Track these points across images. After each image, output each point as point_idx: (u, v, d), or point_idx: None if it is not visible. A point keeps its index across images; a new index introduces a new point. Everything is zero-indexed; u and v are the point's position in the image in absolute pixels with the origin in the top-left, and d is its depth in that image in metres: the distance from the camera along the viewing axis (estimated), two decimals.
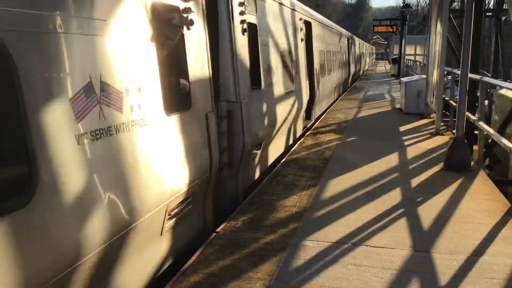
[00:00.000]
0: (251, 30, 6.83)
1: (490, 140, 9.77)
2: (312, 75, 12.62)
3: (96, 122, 3.29)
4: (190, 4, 4.77)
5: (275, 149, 8.64)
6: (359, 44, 42.09)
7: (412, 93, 14.08)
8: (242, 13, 6.33)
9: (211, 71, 5.46)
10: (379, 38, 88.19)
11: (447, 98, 11.24)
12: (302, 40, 11.19)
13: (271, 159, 8.31)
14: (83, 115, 3.15)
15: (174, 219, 4.57)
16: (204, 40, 5.33)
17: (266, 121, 7.58)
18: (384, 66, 60.50)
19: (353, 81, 31.46)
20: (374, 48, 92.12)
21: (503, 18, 18.12)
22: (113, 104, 3.48)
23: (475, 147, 8.52)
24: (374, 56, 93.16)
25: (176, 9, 4.58)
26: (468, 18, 7.38)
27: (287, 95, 9.05)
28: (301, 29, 11.18)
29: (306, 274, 4.16)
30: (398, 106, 15.98)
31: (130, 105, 3.72)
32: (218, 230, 5.20)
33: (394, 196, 6.23)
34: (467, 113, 8.16)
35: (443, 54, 10.54)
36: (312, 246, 4.73)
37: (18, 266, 2.61)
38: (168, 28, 4.44)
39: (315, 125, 12.44)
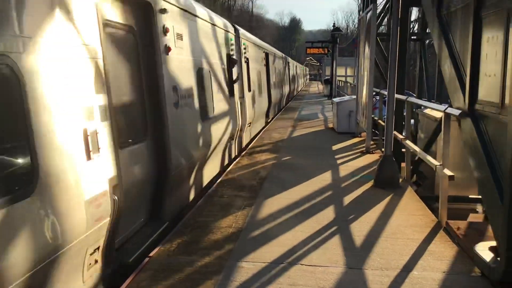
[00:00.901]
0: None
1: (417, 158, 10.21)
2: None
3: None
4: None
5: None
6: (293, 65, 43.04)
7: (343, 113, 14.52)
8: None
9: None
10: (312, 60, 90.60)
11: (376, 118, 11.68)
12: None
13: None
14: None
15: None
16: None
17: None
18: (317, 87, 62.19)
19: (287, 101, 32.04)
20: (307, 69, 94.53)
21: (427, 41, 19.16)
22: None
23: (403, 165, 8.86)
24: (308, 77, 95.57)
25: None
26: (393, 41, 7.74)
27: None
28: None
29: None
30: (331, 125, 16.42)
31: None
32: (151, 254, 5.05)
33: (327, 214, 6.34)
34: (395, 132, 8.51)
35: (371, 76, 10.96)
36: (248, 267, 4.69)
37: None
38: None
39: (251, 145, 12.50)
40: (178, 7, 6.93)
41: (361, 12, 17.21)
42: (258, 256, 4.96)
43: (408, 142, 8.25)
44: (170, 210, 6.28)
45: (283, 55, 31.57)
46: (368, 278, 4.44)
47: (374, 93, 11.67)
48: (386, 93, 8.51)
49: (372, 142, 11.56)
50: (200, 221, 6.11)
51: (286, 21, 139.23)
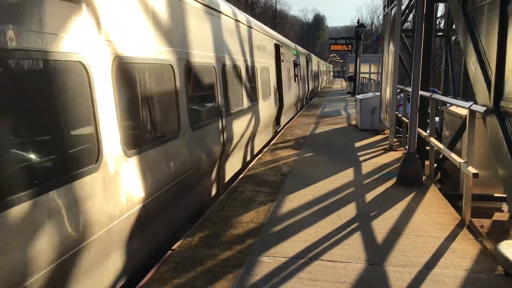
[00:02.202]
0: None
1: (441, 156, 10.10)
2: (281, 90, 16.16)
3: None
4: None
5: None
6: (317, 62, 42.89)
7: (366, 110, 14.42)
8: None
9: None
10: (336, 57, 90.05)
11: (399, 115, 11.56)
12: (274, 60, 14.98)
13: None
14: None
15: None
16: None
17: None
18: (340, 84, 61.79)
19: (310, 98, 31.95)
20: (331, 66, 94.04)
21: (453, 38, 18.88)
22: None
23: (427, 162, 8.78)
24: (331, 74, 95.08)
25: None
26: (418, 37, 7.66)
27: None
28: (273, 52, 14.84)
29: None
30: (353, 122, 16.32)
31: None
32: (173, 247, 5.12)
33: (349, 211, 6.33)
34: (419, 129, 8.42)
35: (395, 72, 10.86)
36: (269, 261, 4.72)
37: None
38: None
39: (273, 141, 12.53)
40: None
41: (386, 8, 17.04)
42: (279, 251, 4.99)
43: (432, 140, 8.16)
44: None
45: (306, 51, 31.48)
46: (389, 274, 4.43)
47: (398, 90, 11.58)
48: (410, 90, 8.43)
49: (395, 140, 11.47)
50: (221, 216, 6.17)
51: (309, 17, 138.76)
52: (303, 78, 26.01)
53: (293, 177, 8.31)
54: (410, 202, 6.73)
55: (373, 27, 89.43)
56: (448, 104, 11.84)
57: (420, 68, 7.84)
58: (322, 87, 51.52)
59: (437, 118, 14.00)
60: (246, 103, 10.20)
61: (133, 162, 4.61)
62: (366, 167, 9.04)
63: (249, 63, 10.78)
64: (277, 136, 13.49)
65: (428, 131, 9.21)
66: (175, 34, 6.10)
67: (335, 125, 16.12)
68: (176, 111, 5.97)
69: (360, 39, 32.56)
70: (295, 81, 21.01)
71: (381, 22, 22.96)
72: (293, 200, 6.84)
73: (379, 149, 11.08)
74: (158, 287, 4.21)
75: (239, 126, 9.30)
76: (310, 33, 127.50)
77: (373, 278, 4.35)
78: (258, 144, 11.93)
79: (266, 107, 12.76)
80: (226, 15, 8.83)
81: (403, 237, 5.39)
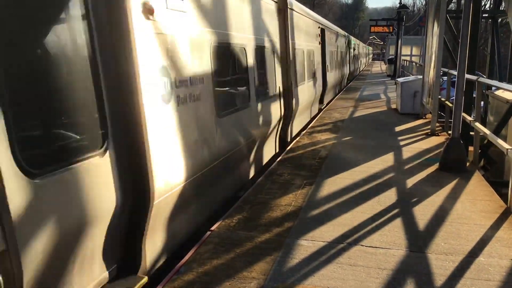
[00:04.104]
0: None
1: (485, 141, 9.77)
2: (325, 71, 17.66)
3: None
4: None
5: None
6: (355, 44, 42.12)
7: (408, 94, 14.08)
8: None
9: None
10: (375, 39, 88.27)
11: (443, 99, 11.23)
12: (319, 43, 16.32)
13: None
14: None
15: None
16: None
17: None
18: (380, 67, 60.60)
19: (349, 81, 31.47)
20: (370, 48, 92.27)
21: (499, 19, 18.15)
22: None
23: (471, 148, 8.51)
24: (370, 56, 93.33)
25: None
26: (466, 18, 7.37)
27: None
28: (319, 35, 15.93)
29: (301, 273, 4.13)
30: (393, 106, 15.99)
31: None
32: (212, 228, 5.16)
33: (389, 196, 6.21)
34: (463, 114, 8.16)
35: (439, 55, 10.52)
36: (307, 245, 4.69)
37: None
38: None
39: (311, 124, 12.42)
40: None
41: None
42: (317, 235, 4.95)
43: (478, 125, 7.89)
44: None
45: (346, 33, 30.92)
46: (431, 262, 4.33)
47: (441, 73, 11.23)
48: (455, 73, 8.15)
49: (437, 124, 11.17)
50: (260, 198, 6.16)
51: None
52: (342, 60, 25.72)
53: (331, 160, 8.22)
54: (453, 189, 6.54)
55: (415, 8, 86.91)
56: (493, 88, 11.41)
57: (467, 51, 7.55)
58: (361, 70, 50.65)
59: (482, 103, 13.53)
60: (306, 78, 12.90)
61: (223, 121, 5.93)
62: (407, 152, 8.85)
63: (306, 48, 12.89)
64: (315, 119, 13.36)
65: (473, 116, 8.92)
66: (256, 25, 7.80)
67: (374, 108, 15.83)
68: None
69: (401, 21, 31.71)
70: (335, 63, 21.95)
71: (424, 3, 22.23)
72: (332, 184, 6.76)
73: (421, 133, 10.82)
74: (197, 267, 4.25)
75: (301, 97, 11.66)
76: (350, 15, 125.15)
77: (415, 266, 4.27)
78: (307, 116, 13.98)
79: (317, 85, 15.13)
80: (297, 12, 11.62)
81: (446, 224, 5.25)
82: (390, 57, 41.60)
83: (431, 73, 11.67)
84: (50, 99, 3.12)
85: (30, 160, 2.85)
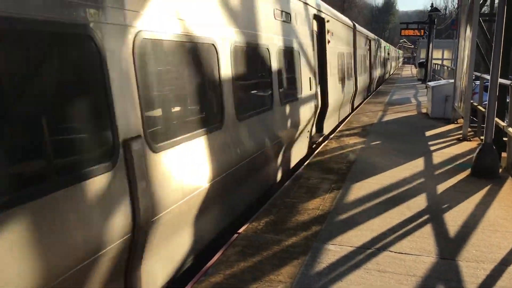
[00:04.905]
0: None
1: None
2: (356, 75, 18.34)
3: None
4: None
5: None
6: (385, 47, 41.70)
7: (439, 98, 13.85)
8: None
9: None
10: (406, 42, 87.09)
11: (475, 104, 11.01)
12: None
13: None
14: None
15: None
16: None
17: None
18: (410, 70, 59.81)
19: (378, 84, 31.16)
20: (400, 51, 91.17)
21: None
22: None
23: (504, 154, 8.31)
24: (401, 60, 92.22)
25: None
26: (499, 21, 7.22)
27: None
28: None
29: (328, 278, 4.10)
30: (424, 110, 15.75)
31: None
32: (240, 231, 5.17)
33: (419, 202, 6.12)
34: (496, 119, 7.98)
35: (472, 59, 10.33)
36: (335, 250, 4.67)
37: None
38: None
39: (339, 128, 12.34)
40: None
41: None
42: (345, 239, 4.92)
43: (511, 130, 7.71)
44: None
45: (376, 37, 30.64)
46: (461, 270, 4.24)
47: (474, 77, 11.02)
48: (487, 77, 7.98)
49: (469, 129, 10.95)
50: (287, 202, 6.15)
51: (379, 2, 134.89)
52: (372, 64, 25.53)
53: (359, 165, 8.15)
54: (485, 195, 6.40)
55: (447, 11, 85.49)
56: None
57: (500, 55, 7.39)
58: (390, 74, 50.08)
59: None
60: (345, 78, 14.70)
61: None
62: (438, 157, 8.70)
63: (343, 51, 14.50)
64: (343, 123, 13.26)
65: (506, 121, 8.71)
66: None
67: (404, 112, 15.63)
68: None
69: (433, 24, 31.25)
70: (365, 67, 22.40)
71: (456, 6, 21.87)
72: (360, 189, 6.71)
73: (452, 139, 10.62)
74: (225, 269, 4.27)
75: (334, 96, 12.53)
76: (380, 18, 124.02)
77: (445, 273, 4.19)
78: (343, 114, 15.25)
79: (349, 86, 15.89)
80: (338, 20, 13.79)
81: (477, 231, 5.15)
82: (421, 60, 40.99)
83: (463, 77, 11.46)
84: None
85: None
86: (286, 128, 7.78)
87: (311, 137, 10.03)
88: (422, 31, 36.70)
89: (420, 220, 5.49)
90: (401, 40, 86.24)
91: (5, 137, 2.54)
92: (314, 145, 10.26)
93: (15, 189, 2.57)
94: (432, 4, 37.05)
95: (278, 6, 7.49)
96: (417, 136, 11.00)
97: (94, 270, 3.19)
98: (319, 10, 10.67)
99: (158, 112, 4.04)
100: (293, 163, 8.63)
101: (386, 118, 14.32)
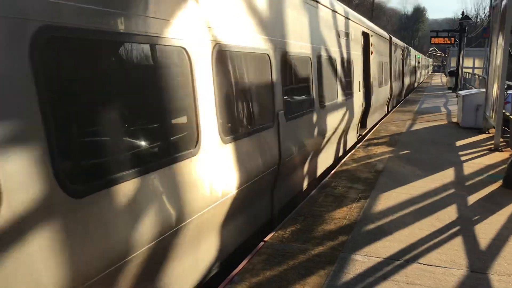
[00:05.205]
0: None
1: None
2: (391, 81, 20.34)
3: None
4: None
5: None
6: (415, 55, 41.23)
7: (470, 107, 13.58)
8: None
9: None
10: (436, 50, 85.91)
11: (507, 113, 10.75)
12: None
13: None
14: None
15: None
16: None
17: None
18: (440, 79, 58.89)
19: (407, 93, 30.79)
20: (430, 60, 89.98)
21: None
22: None
23: None
24: (430, 68, 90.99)
25: None
26: None
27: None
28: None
29: None
30: (454, 120, 15.46)
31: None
32: (266, 239, 5.16)
33: (449, 213, 6.00)
34: None
35: (504, 68, 10.10)
36: (362, 260, 4.60)
37: None
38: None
39: (366, 137, 12.22)
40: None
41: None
42: (372, 250, 4.84)
43: None
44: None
45: (405, 45, 30.32)
46: (493, 284, 4.13)
47: (506, 86, 10.76)
48: None
49: (501, 140, 10.70)
50: (313, 211, 6.11)
51: (409, 9, 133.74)
52: (404, 72, 25.63)
53: (387, 174, 8.04)
54: None
55: (478, 19, 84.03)
56: None
57: None
58: (420, 82, 49.43)
59: None
60: (383, 84, 17.25)
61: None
62: (468, 168, 8.51)
63: (381, 60, 16.93)
64: (371, 132, 13.13)
65: None
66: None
67: (434, 122, 15.38)
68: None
69: (464, 32, 30.71)
70: (399, 74, 24.46)
71: (488, 14, 21.57)
72: (388, 199, 6.61)
73: (483, 149, 10.39)
74: (250, 277, 4.26)
75: (374, 97, 14.84)
76: (409, 26, 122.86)
77: (476, 286, 4.08)
78: (379, 116, 17.19)
79: (385, 91, 18.30)
80: (379, 34, 16.20)
81: (509, 244, 5.00)
82: (451, 69, 40.35)
83: (495, 86, 11.22)
84: None
85: None
86: (346, 117, 10.24)
87: (358, 129, 12.74)
88: (453, 39, 36.18)
89: (450, 231, 5.37)
90: (431, 48, 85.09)
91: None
92: (360, 136, 13.09)
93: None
94: (463, 12, 36.50)
95: (342, 28, 10.13)
96: (447, 146, 10.80)
97: (263, 183, 5.61)
98: (365, 27, 13.22)
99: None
100: (348, 146, 11.34)
101: (415, 127, 14.11)
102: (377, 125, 14.64)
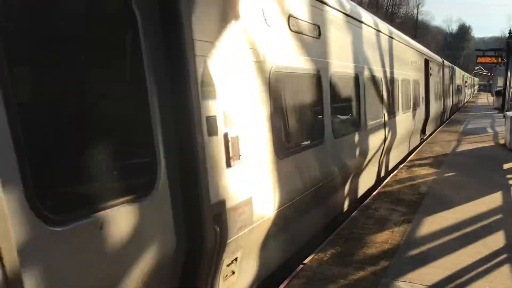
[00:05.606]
0: None
1: None
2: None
3: None
4: None
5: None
6: (460, 74, 40.31)
7: None
8: None
9: None
10: (481, 69, 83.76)
11: None
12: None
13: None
14: None
15: None
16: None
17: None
18: (486, 99, 57.30)
19: (452, 113, 30.07)
20: (476, 79, 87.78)
21: None
22: None
23: None
24: (476, 87, 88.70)
25: None
26: None
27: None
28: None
29: None
30: (502, 141, 14.95)
31: None
32: (305, 261, 5.09)
33: (497, 239, 5.76)
34: None
35: None
36: (405, 287, 4.46)
37: None
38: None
39: (409, 158, 11.97)
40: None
41: None
42: (416, 277, 4.70)
43: None
44: None
45: (450, 64, 29.71)
46: None
47: None
48: None
49: None
50: (354, 233, 6.00)
51: (453, 28, 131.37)
52: (445, 91, 24.91)
53: (432, 197, 7.82)
54: None
55: None
56: None
57: None
58: (465, 102, 48.22)
59: None
60: (437, 100, 20.47)
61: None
62: None
63: (436, 80, 19.93)
64: (414, 153, 12.86)
65: None
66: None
67: (480, 143, 14.91)
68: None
69: (511, 51, 29.82)
70: (448, 92, 26.73)
71: None
72: (432, 223, 6.42)
73: None
74: None
75: (432, 110, 17.99)
76: (454, 44, 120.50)
77: None
78: (434, 126, 20.24)
79: (439, 105, 21.16)
80: (434, 59, 19.67)
81: None
82: (498, 88, 39.19)
83: None
84: None
85: None
86: (415, 123, 13.62)
87: (420, 134, 15.83)
88: (500, 58, 35.18)
89: (498, 259, 5.15)
90: (477, 67, 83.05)
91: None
92: (421, 139, 16.13)
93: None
94: (510, 30, 35.42)
95: (413, 58, 13.64)
96: (494, 169, 10.43)
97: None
98: (426, 56, 16.86)
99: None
100: (411, 147, 13.88)
101: (460, 148, 13.72)
102: (422, 145, 15.07)
